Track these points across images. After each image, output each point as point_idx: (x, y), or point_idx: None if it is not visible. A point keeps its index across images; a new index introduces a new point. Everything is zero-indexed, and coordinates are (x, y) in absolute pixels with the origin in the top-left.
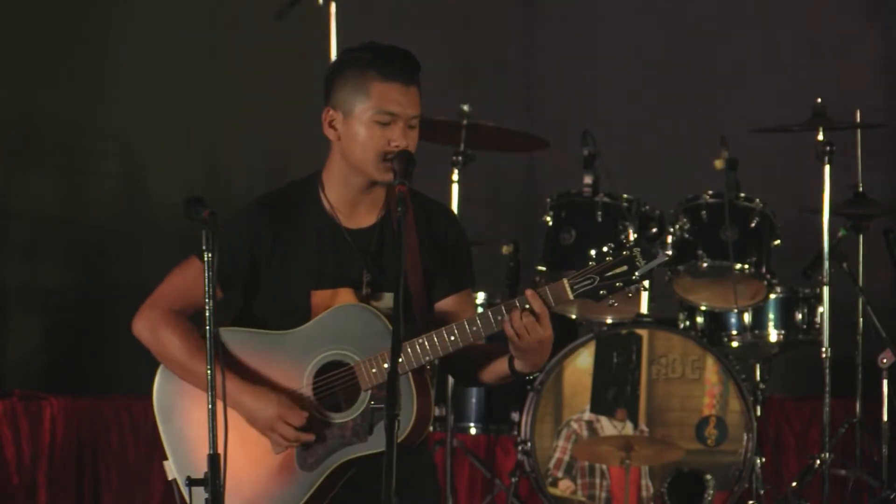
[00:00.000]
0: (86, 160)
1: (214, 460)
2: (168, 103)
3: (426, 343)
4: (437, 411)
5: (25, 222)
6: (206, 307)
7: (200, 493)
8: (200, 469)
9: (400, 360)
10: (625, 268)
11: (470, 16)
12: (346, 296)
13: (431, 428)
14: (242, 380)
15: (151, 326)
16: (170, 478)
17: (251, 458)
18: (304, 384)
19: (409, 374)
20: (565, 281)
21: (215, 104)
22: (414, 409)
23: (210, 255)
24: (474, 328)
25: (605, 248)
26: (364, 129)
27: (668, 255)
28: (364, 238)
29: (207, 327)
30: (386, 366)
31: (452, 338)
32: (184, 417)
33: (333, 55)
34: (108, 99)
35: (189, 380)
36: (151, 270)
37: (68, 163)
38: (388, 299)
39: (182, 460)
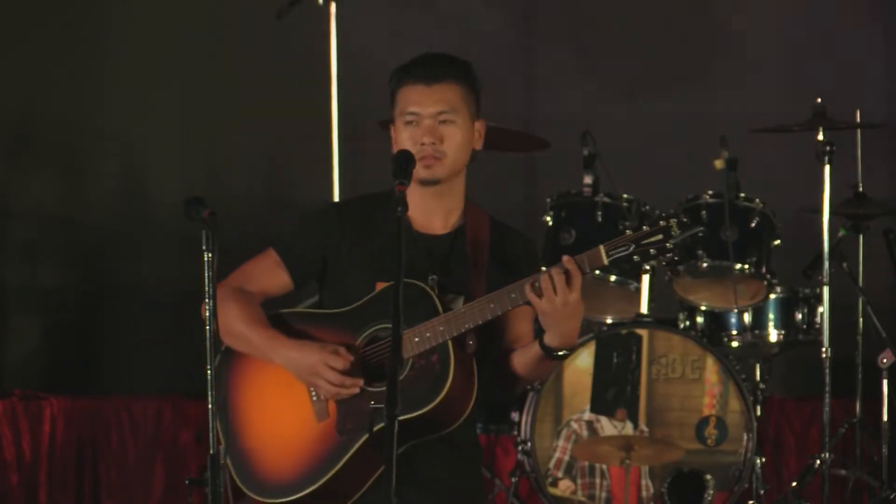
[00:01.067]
0: (86, 160)
1: (214, 460)
2: (168, 103)
3: (465, 311)
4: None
5: (25, 222)
6: (207, 307)
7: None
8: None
9: (440, 329)
10: (660, 236)
11: (470, 16)
12: (409, 289)
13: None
14: (290, 338)
15: (221, 299)
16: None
17: (296, 427)
18: (355, 349)
19: (450, 344)
20: (601, 247)
21: (215, 104)
22: (448, 381)
23: (210, 255)
24: (513, 294)
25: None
26: (401, 134)
27: (702, 229)
28: (435, 244)
29: (207, 327)
30: (429, 335)
31: (492, 305)
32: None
33: (333, 55)
34: (108, 99)
35: (242, 346)
36: (151, 270)
37: (68, 163)
38: (454, 301)
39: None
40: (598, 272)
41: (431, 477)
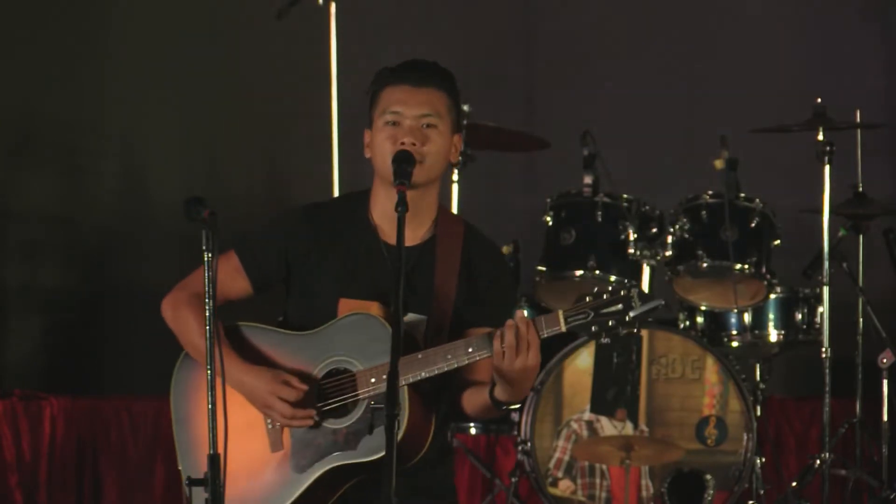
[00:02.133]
0: (86, 160)
1: (214, 460)
2: (168, 103)
3: (422, 358)
4: (452, 440)
5: (25, 222)
6: (207, 307)
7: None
8: (202, 466)
9: (419, 370)
10: (620, 307)
11: (470, 16)
12: (373, 309)
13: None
14: (245, 361)
15: (174, 305)
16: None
17: (249, 453)
18: (311, 381)
19: (406, 388)
20: (560, 312)
21: (215, 104)
22: (404, 422)
23: (210, 255)
24: (470, 349)
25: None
26: (379, 135)
27: (662, 302)
28: (405, 255)
29: (207, 327)
30: (384, 377)
31: (449, 356)
32: (192, 414)
33: (333, 55)
34: (108, 99)
35: (197, 357)
36: (151, 270)
37: (68, 163)
38: (411, 319)
39: (185, 456)
40: (595, 275)
41: None
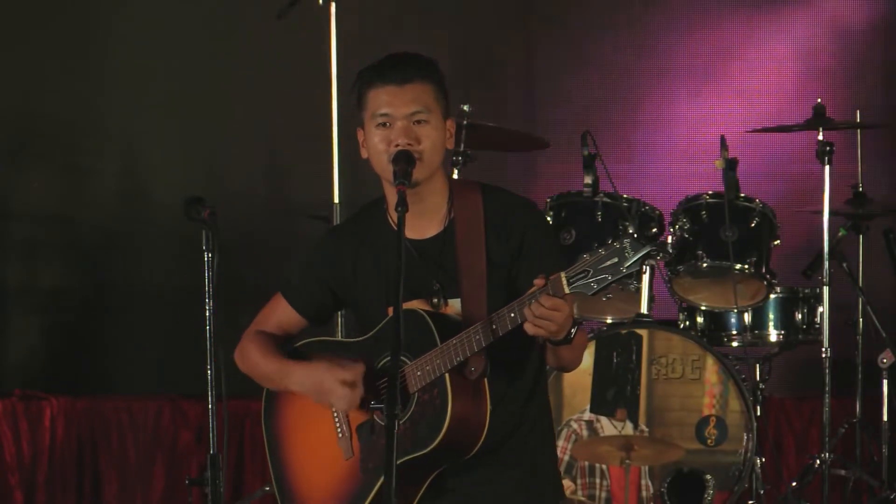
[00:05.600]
0: (86, 160)
1: (215, 460)
2: (168, 103)
3: (456, 343)
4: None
5: (25, 222)
6: (207, 307)
7: None
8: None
9: (437, 362)
10: (615, 259)
11: (470, 16)
12: (418, 306)
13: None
14: (302, 364)
15: (240, 348)
16: None
17: (321, 465)
18: (367, 364)
19: (447, 374)
20: (562, 275)
21: (215, 104)
22: (448, 411)
23: (210, 255)
24: (493, 326)
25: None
26: (373, 137)
27: (654, 248)
28: (430, 248)
29: (207, 327)
30: (428, 368)
31: (477, 336)
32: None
33: (333, 55)
34: (108, 99)
35: (260, 380)
36: (151, 270)
37: (68, 163)
38: (456, 304)
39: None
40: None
41: (470, 492)
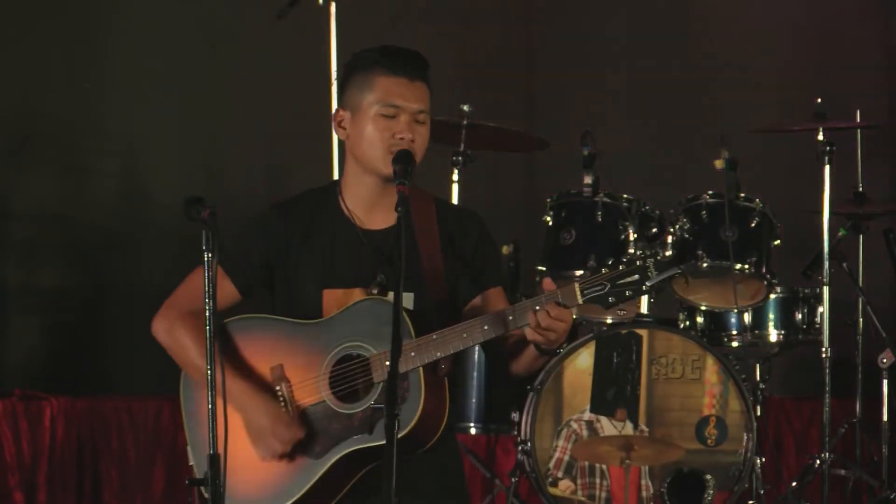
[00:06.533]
0: (86, 160)
1: (215, 460)
2: (168, 103)
3: (437, 339)
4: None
5: (25, 222)
6: (206, 307)
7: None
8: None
9: (412, 354)
10: (636, 277)
11: (470, 16)
12: (356, 295)
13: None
14: (247, 381)
15: (168, 327)
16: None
17: (251, 444)
18: (322, 372)
19: (420, 369)
20: (576, 285)
21: (215, 104)
22: (420, 405)
23: (210, 255)
24: (486, 327)
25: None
26: (370, 124)
27: (680, 269)
28: (381, 239)
29: (207, 327)
30: (400, 360)
31: (465, 335)
32: (201, 417)
33: (333, 55)
34: (108, 99)
35: (199, 379)
36: (151, 270)
37: (68, 163)
38: (404, 299)
39: (199, 458)
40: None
41: (411, 490)
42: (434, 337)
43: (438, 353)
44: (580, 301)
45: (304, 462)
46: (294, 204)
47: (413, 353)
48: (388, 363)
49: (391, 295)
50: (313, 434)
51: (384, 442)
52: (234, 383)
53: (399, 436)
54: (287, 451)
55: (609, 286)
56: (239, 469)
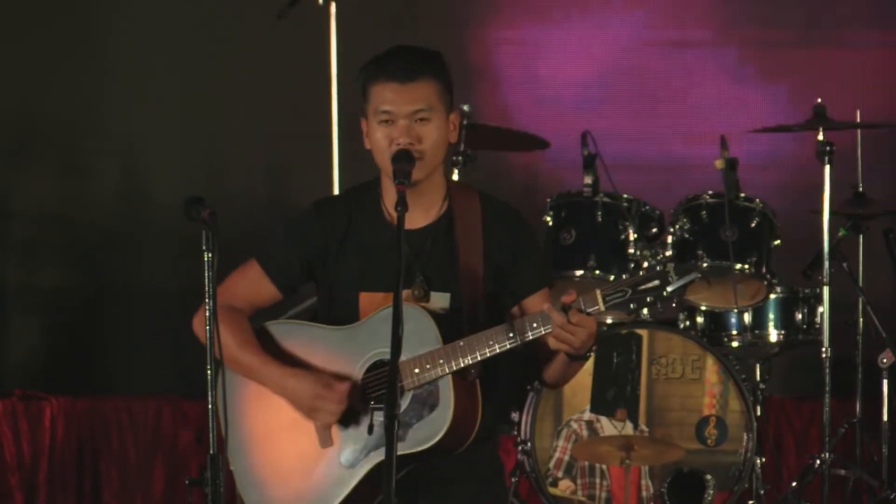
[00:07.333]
0: (86, 160)
1: (214, 460)
2: (168, 104)
3: (464, 346)
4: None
5: (25, 222)
6: (207, 307)
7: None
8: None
9: (440, 362)
10: (657, 282)
11: (469, 16)
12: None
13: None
14: (285, 365)
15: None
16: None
17: (299, 451)
18: (354, 380)
19: (450, 378)
20: (598, 292)
21: (215, 104)
22: (451, 412)
23: (210, 255)
24: (511, 334)
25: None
26: (376, 132)
27: (699, 276)
28: (418, 238)
29: (207, 327)
30: (428, 367)
31: (491, 342)
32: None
33: (333, 55)
34: (108, 99)
35: (236, 369)
36: (151, 270)
37: (68, 163)
38: (436, 299)
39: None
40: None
41: (445, 491)
42: (461, 344)
43: (467, 360)
44: (602, 308)
45: (339, 472)
46: (335, 202)
47: (441, 360)
48: (416, 370)
49: (432, 295)
50: (347, 443)
51: (415, 449)
52: (272, 371)
53: (431, 443)
54: (341, 414)
55: (630, 292)
56: (274, 468)
